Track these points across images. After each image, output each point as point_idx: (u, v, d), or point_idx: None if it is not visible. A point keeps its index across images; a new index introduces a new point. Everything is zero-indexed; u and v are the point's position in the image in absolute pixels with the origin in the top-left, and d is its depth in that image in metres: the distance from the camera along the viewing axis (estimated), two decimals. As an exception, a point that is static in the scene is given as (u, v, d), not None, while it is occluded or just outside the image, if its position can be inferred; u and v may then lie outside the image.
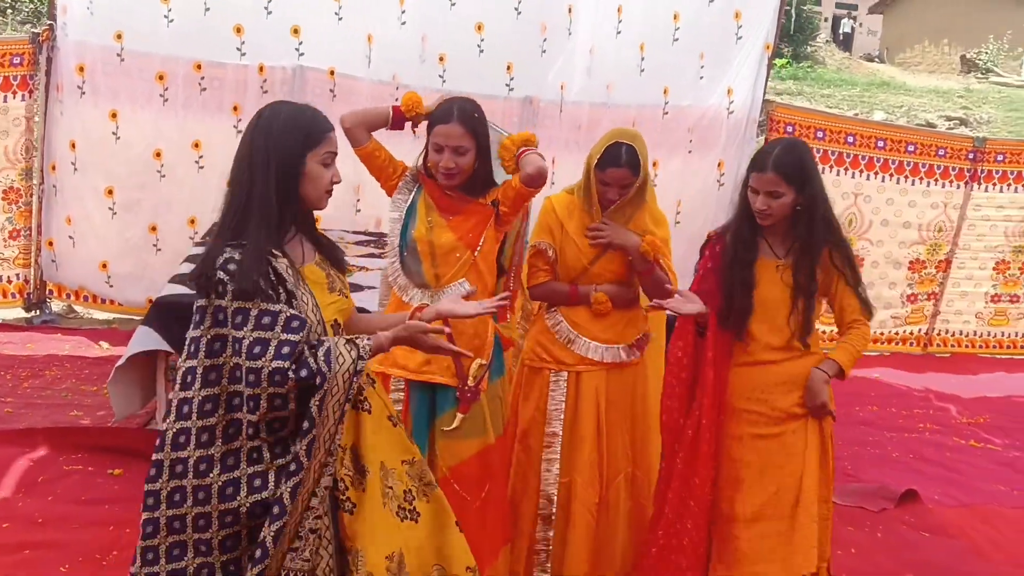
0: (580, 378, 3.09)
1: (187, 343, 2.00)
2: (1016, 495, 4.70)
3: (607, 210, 3.03)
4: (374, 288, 4.51)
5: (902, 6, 30.01)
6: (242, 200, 2.06)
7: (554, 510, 3.09)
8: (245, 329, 1.95)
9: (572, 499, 3.07)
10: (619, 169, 2.95)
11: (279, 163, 2.05)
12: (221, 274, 1.96)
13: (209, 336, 1.98)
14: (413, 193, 2.90)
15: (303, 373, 1.94)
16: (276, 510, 1.95)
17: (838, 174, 6.58)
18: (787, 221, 2.82)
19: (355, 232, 6.12)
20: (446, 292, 2.77)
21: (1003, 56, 23.81)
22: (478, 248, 2.83)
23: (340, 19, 5.99)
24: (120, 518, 3.60)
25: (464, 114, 2.78)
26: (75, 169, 6.00)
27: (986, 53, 23.69)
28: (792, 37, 19.01)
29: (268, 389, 1.93)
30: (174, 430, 1.98)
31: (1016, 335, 7.36)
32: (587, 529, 3.05)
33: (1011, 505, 4.57)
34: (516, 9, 6.09)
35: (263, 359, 1.92)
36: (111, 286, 6.15)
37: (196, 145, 6.06)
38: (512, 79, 6.18)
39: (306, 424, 1.96)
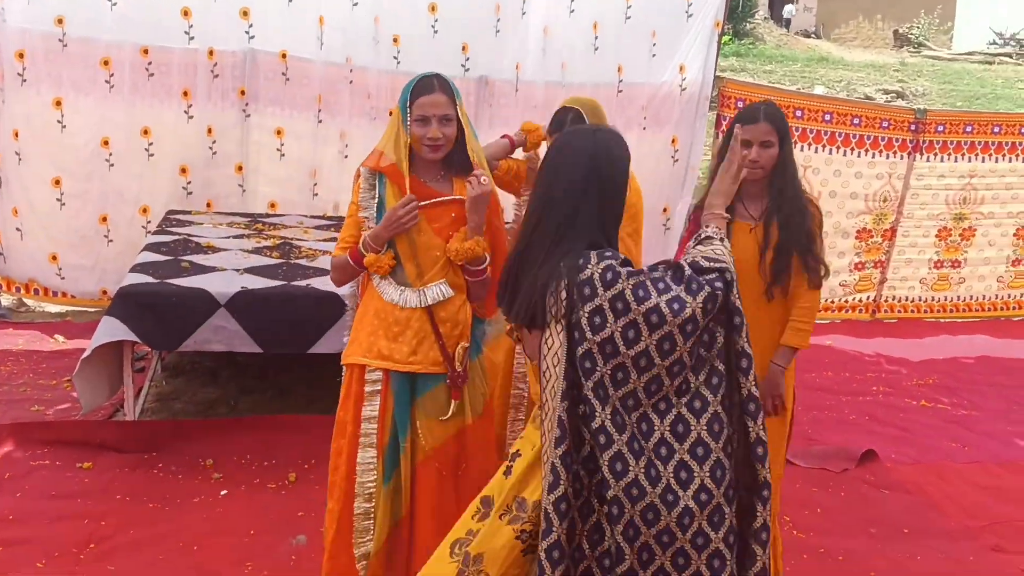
0: None
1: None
2: (966, 451, 4.90)
3: None
4: (339, 271, 4.51)
5: (835, -18, 30.53)
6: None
7: None
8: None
9: None
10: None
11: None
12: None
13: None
14: (377, 188, 2.79)
15: None
16: None
17: (786, 147, 6.70)
18: (765, 180, 2.92)
19: (313, 216, 6.09)
20: (429, 289, 2.76)
21: (934, 30, 24.42)
22: None
23: (290, 1, 5.93)
24: (93, 511, 3.57)
25: (444, 84, 2.72)
26: (20, 159, 5.85)
27: (918, 28, 24.28)
28: (733, 14, 19.22)
29: None
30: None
31: (958, 299, 7.61)
32: None
33: (962, 460, 4.76)
34: (469, -12, 6.09)
35: None
36: (62, 278, 6.02)
37: (145, 132, 5.95)
38: (467, 59, 6.19)
39: None
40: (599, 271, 2.04)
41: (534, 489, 2.14)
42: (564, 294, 2.06)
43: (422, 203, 2.73)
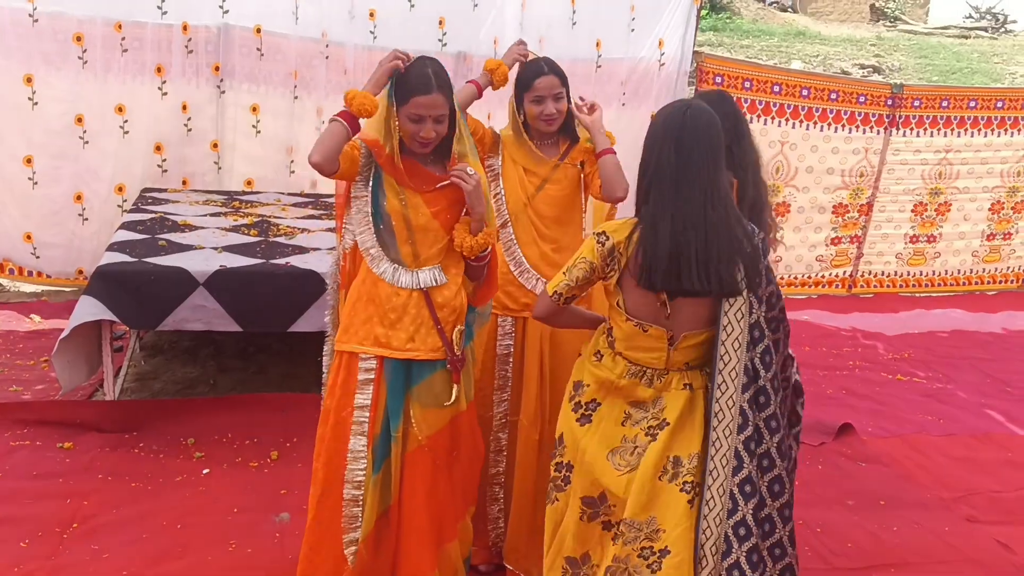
0: (526, 323, 3.19)
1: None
2: (941, 423, 4.97)
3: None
4: (319, 250, 4.50)
5: (812, -44, 30.50)
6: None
7: (504, 443, 3.28)
8: None
9: (516, 438, 3.24)
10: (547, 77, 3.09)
11: None
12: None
13: None
14: (372, 167, 2.71)
15: None
16: None
17: (765, 123, 6.73)
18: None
19: (291, 194, 6.05)
20: (423, 272, 2.71)
21: (910, 4, 24.46)
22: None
23: (264, -26, 5.86)
24: (75, 490, 3.56)
25: (442, 81, 2.62)
26: (-10, 137, 5.76)
27: (894, 2, 24.30)
28: (709, -12, 19.18)
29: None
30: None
31: (933, 274, 7.70)
32: (529, 465, 3.19)
33: (937, 433, 4.84)
34: (446, -38, 6.04)
35: None
36: (37, 257, 5.95)
37: (120, 109, 5.87)
38: (444, 34, 6.15)
39: None
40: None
41: (682, 446, 2.41)
42: (762, 269, 2.37)
43: (426, 190, 2.70)
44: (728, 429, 2.34)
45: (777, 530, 2.40)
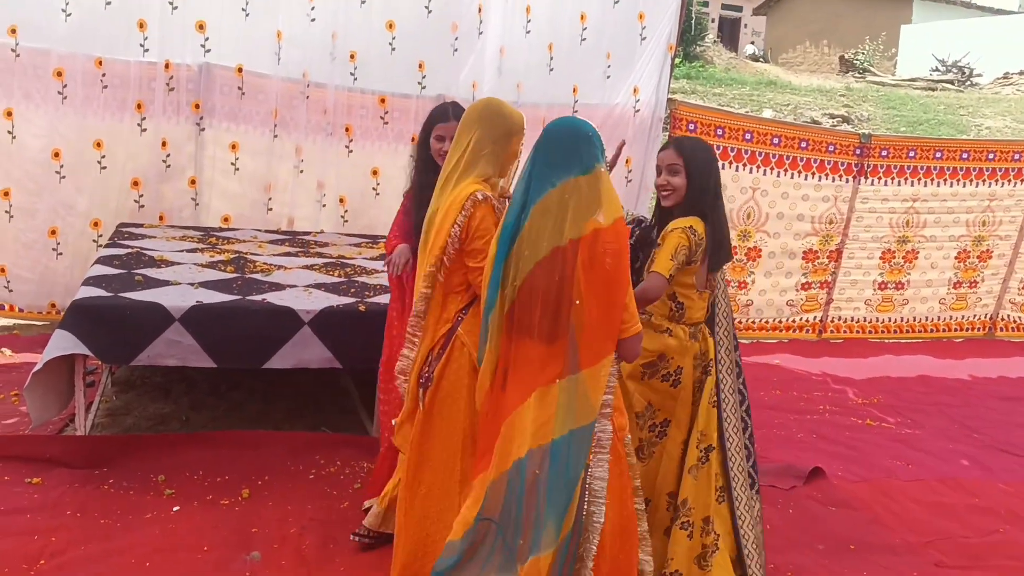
0: None
1: None
2: (910, 468, 5.02)
3: None
4: (295, 287, 4.52)
5: (783, 8, 31.29)
6: None
7: None
8: None
9: None
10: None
11: None
12: None
13: None
14: None
15: None
16: None
17: (737, 170, 6.85)
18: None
19: (268, 231, 6.06)
20: None
21: (878, 56, 25.10)
22: None
23: (248, 15, 5.94)
24: (43, 527, 3.51)
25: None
26: (-32, 171, 5.75)
27: (863, 54, 24.92)
28: (683, 37, 19.57)
29: None
30: None
31: (901, 320, 7.82)
32: None
33: (906, 478, 4.88)
34: (427, 8, 6.14)
35: None
36: (10, 291, 5.91)
37: (98, 145, 5.89)
38: (424, 77, 6.23)
39: None
40: None
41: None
42: None
43: None
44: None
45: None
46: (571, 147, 2.57)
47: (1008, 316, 8.13)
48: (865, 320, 7.70)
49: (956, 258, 7.75)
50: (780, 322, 7.42)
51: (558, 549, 2.48)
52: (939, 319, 7.93)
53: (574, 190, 2.51)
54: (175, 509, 3.77)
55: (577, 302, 2.49)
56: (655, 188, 3.37)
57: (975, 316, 8.05)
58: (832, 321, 7.61)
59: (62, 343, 3.84)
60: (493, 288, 2.60)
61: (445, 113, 3.48)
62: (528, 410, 2.55)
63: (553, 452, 2.51)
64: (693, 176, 3.23)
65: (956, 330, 8.02)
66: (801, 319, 7.50)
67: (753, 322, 7.32)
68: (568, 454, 2.51)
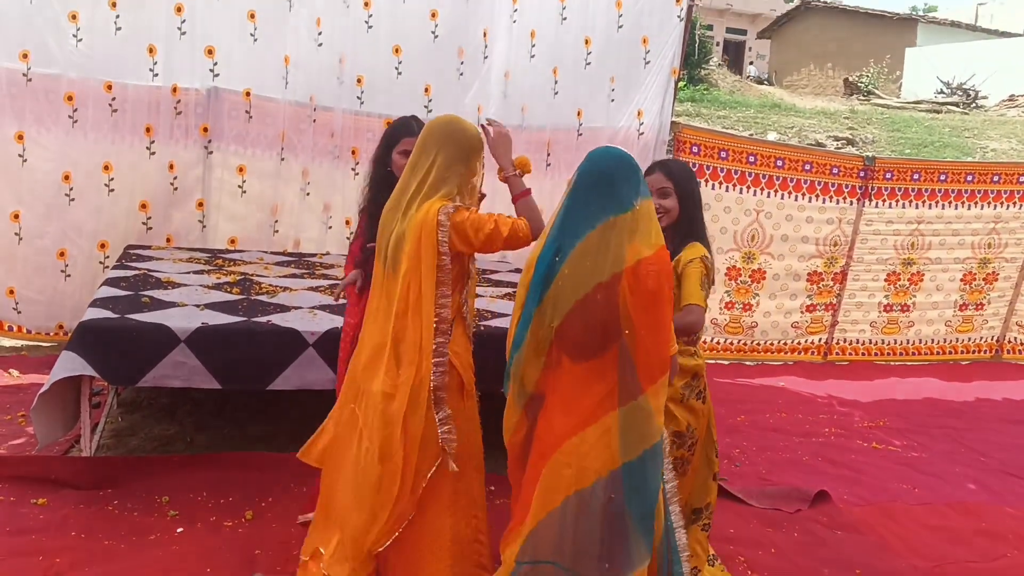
0: None
1: None
2: (917, 492, 5.00)
3: None
4: (301, 308, 4.54)
5: (787, 32, 31.44)
6: None
7: None
8: None
9: None
10: None
11: None
12: None
13: None
14: None
15: None
16: None
17: (741, 192, 6.88)
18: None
19: (273, 253, 6.10)
20: None
21: (883, 79, 25.17)
22: None
23: (256, 40, 6.00)
24: (48, 547, 3.51)
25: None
26: (-21, 193, 5.80)
27: (867, 76, 25.00)
28: (688, 61, 19.65)
29: None
30: None
31: (907, 342, 7.81)
32: None
33: (913, 502, 4.86)
34: (433, 33, 6.20)
35: None
36: (19, 312, 5.95)
37: (106, 168, 5.94)
38: (430, 100, 6.29)
39: None
40: None
41: None
42: None
43: None
44: None
45: None
46: (609, 189, 2.59)
47: (1015, 338, 8.11)
48: (871, 342, 7.69)
49: (962, 280, 7.74)
50: (785, 344, 7.42)
51: (658, 555, 2.69)
52: (945, 341, 7.91)
53: (614, 228, 2.57)
54: (179, 531, 3.78)
55: (627, 332, 2.55)
56: None
57: (981, 338, 8.03)
58: (837, 343, 7.60)
59: (68, 364, 3.86)
60: (522, 328, 2.65)
61: (410, 127, 3.38)
62: (583, 443, 2.60)
63: (626, 474, 2.59)
64: (684, 197, 3.30)
65: (962, 352, 8.01)
66: (806, 341, 7.49)
67: (758, 344, 7.31)
68: (644, 472, 2.62)
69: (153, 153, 6.03)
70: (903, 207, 7.37)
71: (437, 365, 2.98)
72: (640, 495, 2.61)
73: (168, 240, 6.17)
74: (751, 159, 6.89)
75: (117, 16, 5.72)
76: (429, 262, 2.92)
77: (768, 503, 4.61)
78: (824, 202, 7.14)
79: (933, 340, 7.88)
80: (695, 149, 6.69)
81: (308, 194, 6.36)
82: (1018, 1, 32.68)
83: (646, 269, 2.55)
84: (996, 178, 7.53)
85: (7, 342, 6.12)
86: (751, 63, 31.65)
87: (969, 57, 24.02)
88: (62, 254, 5.95)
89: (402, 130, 3.40)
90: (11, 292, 5.92)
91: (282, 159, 6.25)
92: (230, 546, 3.69)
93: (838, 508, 4.63)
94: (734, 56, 32.66)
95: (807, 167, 7.06)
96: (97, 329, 3.98)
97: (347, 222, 6.48)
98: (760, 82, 26.36)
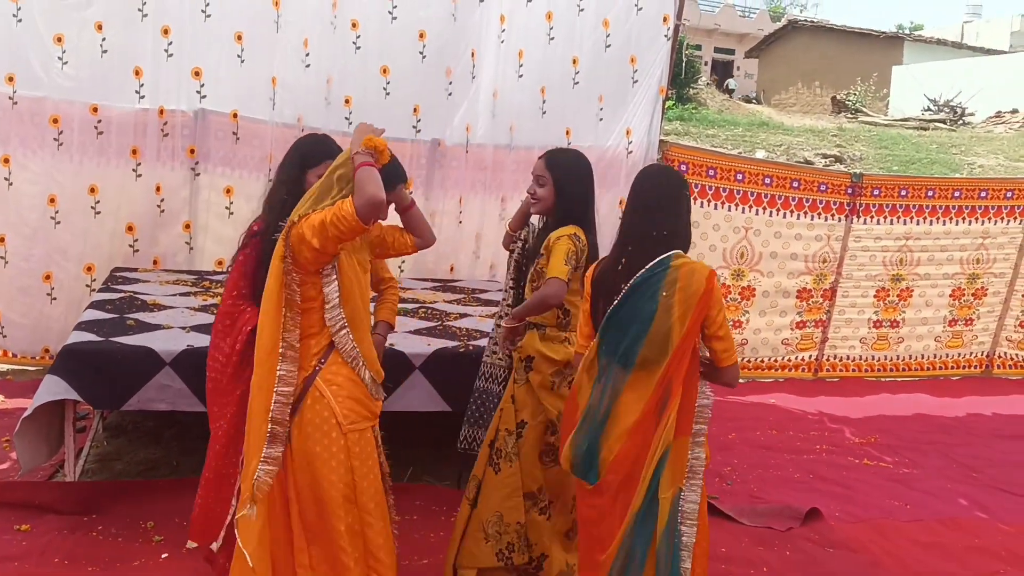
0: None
1: None
2: (908, 509, 4.98)
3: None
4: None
5: (775, 51, 31.69)
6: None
7: None
8: None
9: None
10: None
11: None
12: None
13: None
14: None
15: None
16: None
17: (729, 210, 6.89)
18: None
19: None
20: None
21: (870, 97, 25.35)
22: None
23: (243, 61, 6.00)
24: (31, 574, 3.47)
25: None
26: (-35, 217, 5.77)
27: (855, 95, 25.19)
28: (676, 79, 19.76)
29: None
30: None
31: (897, 358, 7.81)
32: None
33: (904, 518, 4.84)
34: (421, 53, 6.21)
35: None
36: (4, 336, 5.90)
37: (92, 190, 5.92)
38: (419, 121, 6.29)
39: None
40: None
41: None
42: None
43: None
44: None
45: None
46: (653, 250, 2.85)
47: (1005, 353, 8.12)
48: (861, 358, 7.69)
49: (951, 296, 7.75)
50: (776, 361, 7.41)
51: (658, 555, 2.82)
52: (935, 357, 7.91)
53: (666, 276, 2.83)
54: (164, 556, 3.74)
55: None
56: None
57: (971, 354, 8.03)
58: (828, 359, 7.59)
59: (52, 388, 3.83)
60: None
61: (332, 150, 3.10)
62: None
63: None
64: (560, 186, 3.41)
65: (953, 368, 8.00)
66: (797, 358, 7.48)
67: (749, 361, 7.30)
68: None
69: (139, 175, 6.01)
70: (891, 223, 7.38)
71: (279, 395, 2.75)
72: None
73: (155, 262, 6.14)
74: (739, 177, 6.90)
75: (103, 39, 5.71)
76: (273, 283, 2.77)
77: (760, 521, 4.58)
78: (812, 219, 7.16)
79: (923, 356, 7.88)
80: (684, 167, 6.69)
81: (296, 215, 6.33)
82: (1002, 19, 33.04)
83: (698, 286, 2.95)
84: (983, 194, 7.56)
85: (-8, 366, 6.07)
86: (731, 76, 31.86)
87: (955, 74, 24.23)
88: (48, 277, 5.91)
89: (324, 152, 3.11)
90: (-4, 316, 5.87)
91: (269, 180, 6.20)
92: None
93: (830, 526, 4.61)
94: (722, 75, 32.87)
95: (795, 184, 7.07)
96: (81, 352, 3.95)
97: (335, 243, 6.45)
98: (749, 101, 26.52)
